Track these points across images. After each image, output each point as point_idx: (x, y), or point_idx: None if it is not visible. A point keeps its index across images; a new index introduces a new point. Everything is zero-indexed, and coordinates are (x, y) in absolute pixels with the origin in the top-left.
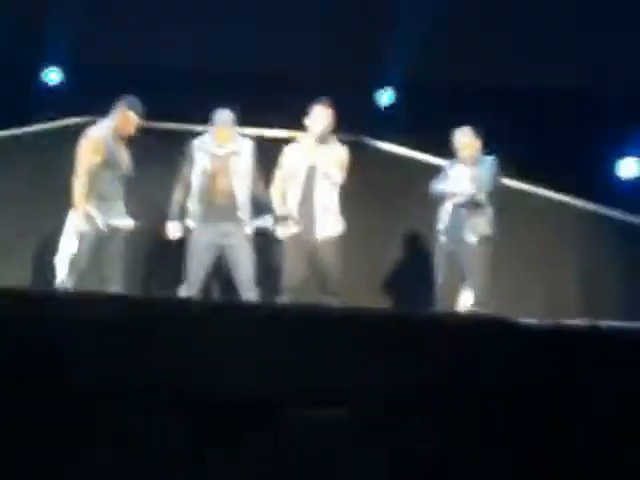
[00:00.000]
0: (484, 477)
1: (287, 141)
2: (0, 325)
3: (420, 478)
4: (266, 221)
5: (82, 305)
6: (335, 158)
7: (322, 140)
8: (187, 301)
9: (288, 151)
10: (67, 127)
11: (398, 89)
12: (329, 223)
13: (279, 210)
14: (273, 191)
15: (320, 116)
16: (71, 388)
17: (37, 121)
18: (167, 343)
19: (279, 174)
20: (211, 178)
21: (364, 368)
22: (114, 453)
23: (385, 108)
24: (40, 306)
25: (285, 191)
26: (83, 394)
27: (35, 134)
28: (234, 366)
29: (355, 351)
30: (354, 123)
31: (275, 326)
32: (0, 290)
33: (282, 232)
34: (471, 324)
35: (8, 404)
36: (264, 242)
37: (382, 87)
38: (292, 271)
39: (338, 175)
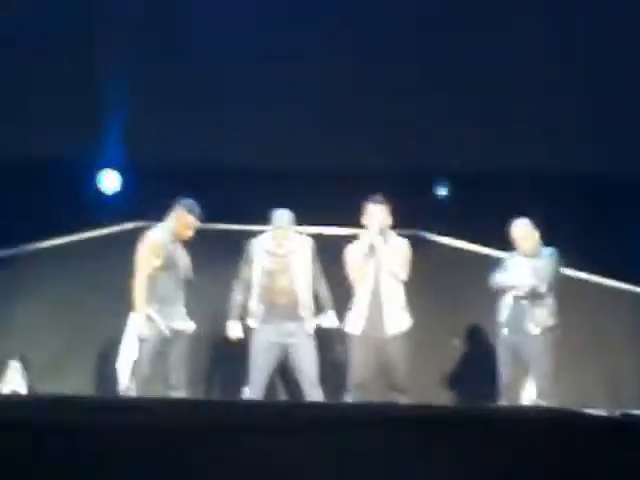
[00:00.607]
0: None
1: (346, 238)
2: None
3: None
4: (328, 319)
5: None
6: (398, 255)
7: (382, 236)
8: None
9: (351, 250)
10: (124, 232)
11: (446, 181)
12: (397, 320)
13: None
14: (353, 281)
15: (375, 214)
16: None
17: (95, 226)
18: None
19: (349, 271)
20: (271, 277)
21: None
22: None
23: (440, 200)
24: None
25: (353, 289)
26: None
27: (93, 239)
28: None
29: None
30: (410, 216)
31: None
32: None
33: (351, 329)
34: (538, 417)
35: None
36: (327, 339)
37: (436, 179)
38: (359, 368)
39: (403, 272)
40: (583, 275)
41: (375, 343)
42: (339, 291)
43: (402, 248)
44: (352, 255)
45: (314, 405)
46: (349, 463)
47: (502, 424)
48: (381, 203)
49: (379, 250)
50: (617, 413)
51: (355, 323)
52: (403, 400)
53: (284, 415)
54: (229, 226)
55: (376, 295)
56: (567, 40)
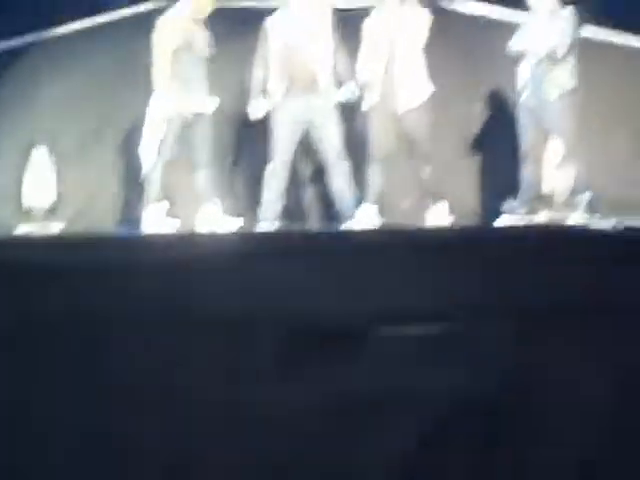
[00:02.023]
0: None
1: (364, 10)
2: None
3: (502, 386)
4: (350, 91)
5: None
6: (417, 24)
7: (402, 4)
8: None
9: (368, 21)
10: (143, 13)
11: None
12: (413, 91)
13: (363, 79)
14: (360, 63)
15: None
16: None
17: (112, 9)
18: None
19: (364, 46)
20: (291, 51)
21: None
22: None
23: None
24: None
25: (369, 61)
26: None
27: (111, 23)
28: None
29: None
30: None
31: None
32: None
33: (366, 104)
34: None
35: None
36: (350, 113)
37: None
38: (380, 140)
39: (421, 41)
40: (605, 34)
41: (392, 116)
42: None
43: (422, 16)
44: (369, 28)
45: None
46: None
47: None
48: None
49: (395, 19)
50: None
51: (370, 97)
52: (427, 170)
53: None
54: (248, 2)
55: (390, 68)
56: None
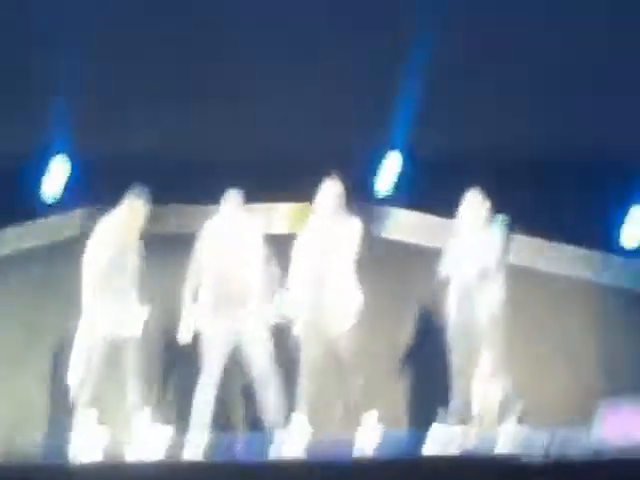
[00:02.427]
0: None
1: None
2: None
3: None
4: (280, 306)
5: None
6: (347, 233)
7: (333, 215)
8: None
9: (299, 239)
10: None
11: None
12: (344, 310)
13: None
14: (289, 281)
15: (328, 194)
16: None
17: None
18: None
19: (293, 262)
20: (221, 263)
21: None
22: None
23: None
24: None
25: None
26: None
27: (40, 231)
28: None
29: None
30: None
31: None
32: None
33: (297, 326)
34: None
35: None
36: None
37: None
38: (310, 359)
39: (352, 250)
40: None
41: (322, 338)
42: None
43: (352, 226)
44: (300, 245)
45: None
46: None
47: None
48: (334, 182)
49: (326, 229)
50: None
51: (299, 321)
52: (356, 382)
53: None
54: (181, 207)
55: (320, 287)
56: None
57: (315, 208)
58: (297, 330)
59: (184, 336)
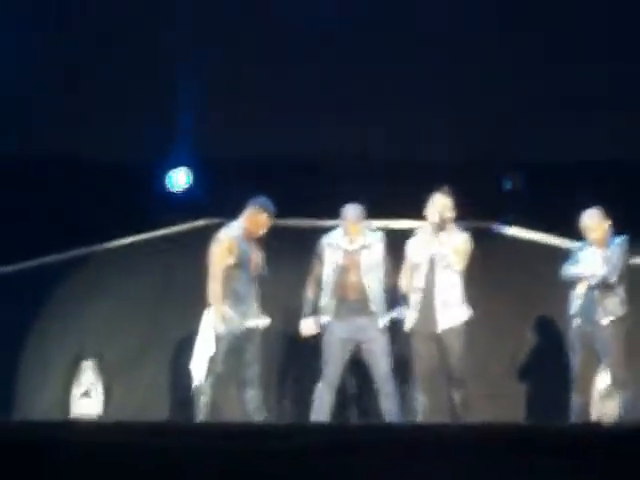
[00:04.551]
0: None
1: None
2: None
3: None
4: (400, 313)
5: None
6: (454, 246)
7: (441, 229)
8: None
9: (410, 243)
10: (196, 229)
11: (523, 173)
12: (450, 314)
13: (406, 302)
14: (401, 284)
15: (437, 205)
16: None
17: (164, 224)
18: None
19: (405, 267)
20: (343, 273)
21: None
22: None
23: (510, 192)
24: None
25: (410, 283)
26: None
27: (163, 239)
28: None
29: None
30: (479, 209)
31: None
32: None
33: (407, 324)
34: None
35: None
36: (400, 333)
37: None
38: (420, 362)
39: (458, 263)
40: None
41: (430, 337)
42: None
43: (461, 240)
44: (410, 248)
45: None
46: None
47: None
48: (445, 194)
49: (436, 242)
50: None
51: (409, 318)
52: (460, 394)
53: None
54: (301, 222)
55: (429, 288)
56: None
57: (427, 217)
58: (408, 327)
59: (305, 332)
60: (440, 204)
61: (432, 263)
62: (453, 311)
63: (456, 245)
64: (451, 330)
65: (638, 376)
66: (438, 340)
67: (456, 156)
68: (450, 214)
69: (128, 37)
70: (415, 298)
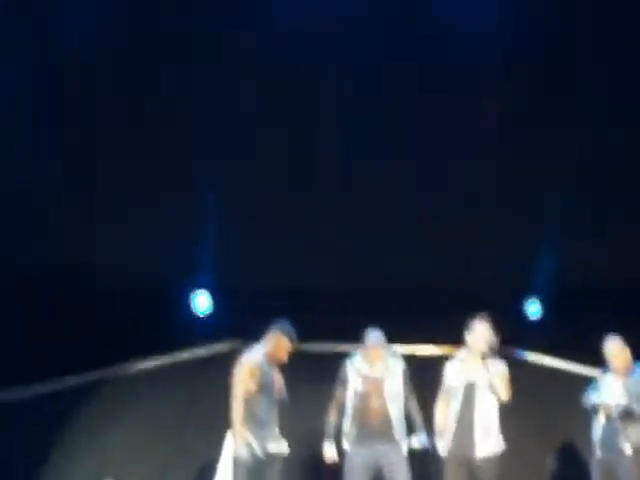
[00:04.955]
0: None
1: (439, 358)
2: None
3: None
4: (420, 440)
5: None
6: (500, 374)
7: (484, 357)
8: None
9: (449, 368)
10: (218, 353)
11: (544, 299)
12: (490, 442)
13: (440, 427)
14: (437, 408)
15: (483, 333)
16: None
17: (187, 348)
18: None
19: (442, 391)
20: (364, 399)
21: None
22: None
23: (532, 319)
24: None
25: (446, 408)
26: None
27: (186, 362)
28: None
29: None
30: (502, 334)
31: None
32: None
33: (442, 450)
34: None
35: None
36: (420, 460)
37: (529, 297)
38: None
39: (505, 393)
40: None
41: (464, 463)
42: (430, 412)
43: (502, 367)
44: (449, 372)
45: None
46: None
47: None
48: (487, 321)
49: (475, 367)
50: None
51: (445, 443)
52: None
53: None
54: (321, 346)
55: (468, 414)
56: None
57: (470, 345)
58: (442, 452)
59: (329, 457)
60: (485, 332)
61: (472, 389)
62: (492, 440)
63: (501, 373)
64: (488, 460)
65: None
66: (473, 467)
67: (473, 282)
68: (494, 341)
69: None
70: (451, 423)
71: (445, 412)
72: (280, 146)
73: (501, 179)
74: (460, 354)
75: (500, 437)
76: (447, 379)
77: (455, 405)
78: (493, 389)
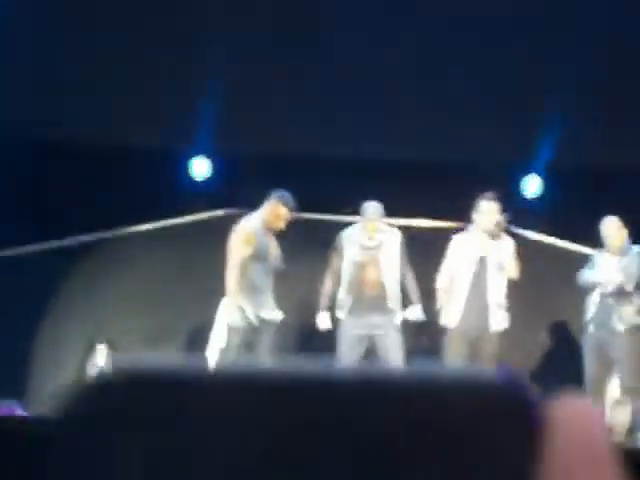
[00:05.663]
0: None
1: (435, 230)
2: None
3: None
4: (415, 312)
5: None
6: (509, 250)
7: (494, 234)
8: None
9: (457, 241)
10: (215, 218)
11: (545, 177)
12: (498, 317)
13: (444, 301)
14: (440, 281)
15: (490, 212)
16: None
17: (184, 213)
18: None
19: (446, 264)
20: (361, 269)
21: None
22: None
23: (532, 196)
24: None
25: (453, 282)
26: None
27: (182, 226)
28: None
29: None
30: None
31: None
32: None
33: (447, 321)
34: None
35: None
36: (414, 332)
37: (528, 174)
38: (453, 362)
39: (514, 267)
40: None
41: (471, 339)
42: (426, 284)
43: (510, 243)
44: (457, 247)
45: None
46: None
47: None
48: (494, 200)
49: (486, 244)
50: None
51: (454, 317)
52: None
53: None
54: (320, 216)
55: (479, 290)
56: None
57: (478, 224)
58: (444, 323)
59: (322, 325)
60: (491, 210)
61: (483, 265)
62: (500, 315)
63: (512, 251)
64: (495, 334)
65: None
66: (477, 341)
67: (474, 159)
68: (501, 219)
69: (158, 24)
70: (461, 297)
71: (451, 286)
72: (283, 13)
73: (505, 50)
74: (468, 231)
75: (506, 314)
76: (454, 253)
77: (465, 280)
78: (504, 266)
